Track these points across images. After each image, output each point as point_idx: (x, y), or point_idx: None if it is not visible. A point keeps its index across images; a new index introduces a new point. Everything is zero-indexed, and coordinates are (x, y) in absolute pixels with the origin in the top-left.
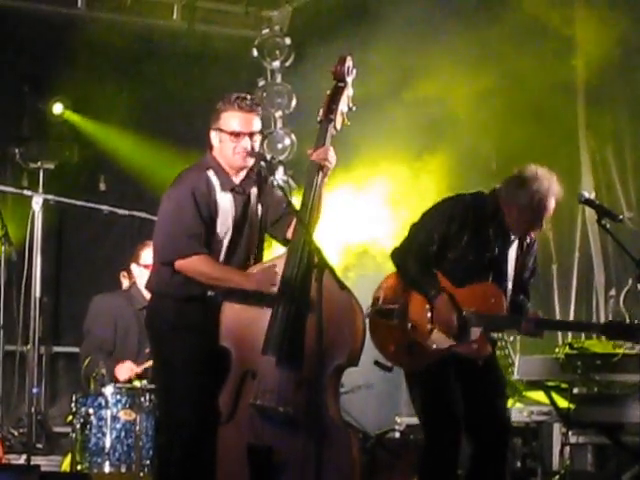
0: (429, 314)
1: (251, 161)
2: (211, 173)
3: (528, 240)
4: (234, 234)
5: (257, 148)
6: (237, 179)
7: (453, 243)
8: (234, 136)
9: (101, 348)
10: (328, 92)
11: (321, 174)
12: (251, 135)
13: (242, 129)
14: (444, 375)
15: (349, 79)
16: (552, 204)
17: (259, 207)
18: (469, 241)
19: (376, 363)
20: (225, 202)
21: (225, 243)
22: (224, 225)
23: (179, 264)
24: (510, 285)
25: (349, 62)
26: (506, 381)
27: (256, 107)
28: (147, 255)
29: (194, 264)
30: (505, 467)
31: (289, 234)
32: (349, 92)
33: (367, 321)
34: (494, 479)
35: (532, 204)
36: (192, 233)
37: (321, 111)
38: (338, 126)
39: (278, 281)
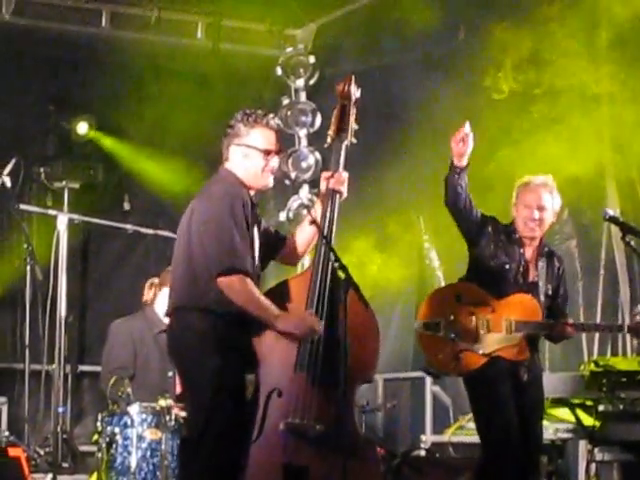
0: (474, 322)
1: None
2: (244, 189)
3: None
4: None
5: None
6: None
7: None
8: (265, 154)
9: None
10: (335, 112)
11: (337, 197)
12: (278, 154)
13: (274, 147)
14: (498, 382)
15: (354, 98)
16: (532, 192)
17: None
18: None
19: (426, 370)
20: (252, 221)
21: (256, 263)
22: (255, 245)
23: (220, 280)
24: (542, 297)
25: (353, 82)
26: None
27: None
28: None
29: (234, 283)
30: None
31: (278, 257)
32: (353, 111)
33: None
34: None
35: (517, 197)
36: (237, 249)
37: (331, 130)
38: (353, 140)
39: (317, 325)
